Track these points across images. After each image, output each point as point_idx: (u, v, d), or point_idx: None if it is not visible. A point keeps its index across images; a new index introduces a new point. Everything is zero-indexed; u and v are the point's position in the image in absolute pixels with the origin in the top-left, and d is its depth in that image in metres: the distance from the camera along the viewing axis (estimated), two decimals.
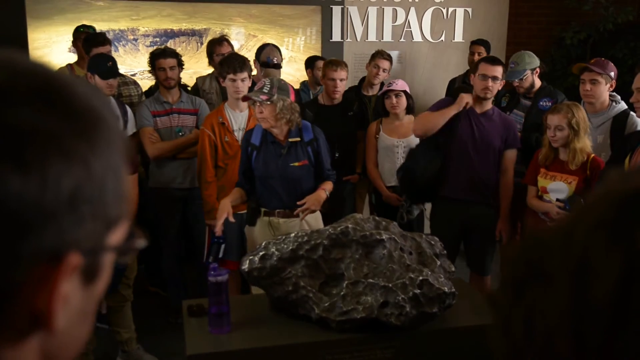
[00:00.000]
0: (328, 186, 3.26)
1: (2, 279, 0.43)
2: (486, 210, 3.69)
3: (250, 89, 3.67)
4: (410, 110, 4.15)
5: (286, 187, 3.23)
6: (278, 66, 4.33)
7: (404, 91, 4.10)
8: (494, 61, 3.64)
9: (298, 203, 3.16)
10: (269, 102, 3.07)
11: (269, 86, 3.11)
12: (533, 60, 4.16)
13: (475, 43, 5.30)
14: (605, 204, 0.43)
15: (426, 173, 3.66)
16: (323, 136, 3.33)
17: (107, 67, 3.67)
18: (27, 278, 0.44)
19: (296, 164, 3.22)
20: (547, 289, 0.43)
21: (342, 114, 4.26)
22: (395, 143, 4.14)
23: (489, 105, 3.69)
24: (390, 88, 4.10)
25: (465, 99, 3.58)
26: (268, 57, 4.34)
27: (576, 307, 0.41)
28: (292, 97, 3.18)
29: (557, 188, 3.39)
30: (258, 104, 3.11)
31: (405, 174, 3.79)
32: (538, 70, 4.19)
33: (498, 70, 3.56)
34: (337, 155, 4.10)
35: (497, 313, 0.47)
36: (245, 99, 3.29)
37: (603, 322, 0.39)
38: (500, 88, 3.71)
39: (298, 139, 3.24)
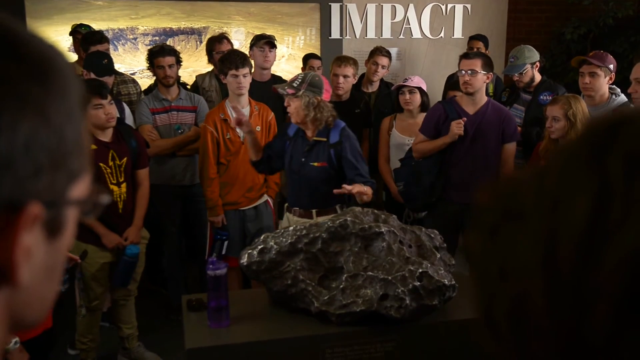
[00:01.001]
0: (368, 189, 2.91)
1: None
2: None
3: (250, 87, 3.68)
4: (425, 107, 4.02)
5: (303, 186, 3.15)
6: (272, 37, 4.32)
7: (419, 88, 4.00)
8: (469, 56, 3.62)
9: (344, 186, 2.83)
10: (294, 97, 3.00)
11: (299, 80, 3.03)
12: (533, 55, 4.15)
13: (473, 38, 5.27)
14: (579, 139, 0.43)
15: (428, 199, 3.68)
16: (353, 141, 3.13)
17: (102, 65, 3.67)
18: None
19: (315, 164, 3.12)
20: (521, 226, 0.42)
21: (349, 111, 4.18)
22: (407, 142, 4.00)
23: (481, 101, 3.61)
24: (405, 84, 4.00)
25: (456, 128, 3.50)
26: (262, 34, 4.38)
27: (548, 241, 0.40)
28: (326, 95, 3.08)
29: None
30: (287, 97, 3.05)
31: (407, 192, 3.76)
32: (538, 64, 4.17)
33: (475, 64, 3.49)
34: None
35: (472, 261, 0.46)
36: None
37: (575, 257, 0.38)
38: (487, 81, 3.62)
39: (324, 139, 3.12)
